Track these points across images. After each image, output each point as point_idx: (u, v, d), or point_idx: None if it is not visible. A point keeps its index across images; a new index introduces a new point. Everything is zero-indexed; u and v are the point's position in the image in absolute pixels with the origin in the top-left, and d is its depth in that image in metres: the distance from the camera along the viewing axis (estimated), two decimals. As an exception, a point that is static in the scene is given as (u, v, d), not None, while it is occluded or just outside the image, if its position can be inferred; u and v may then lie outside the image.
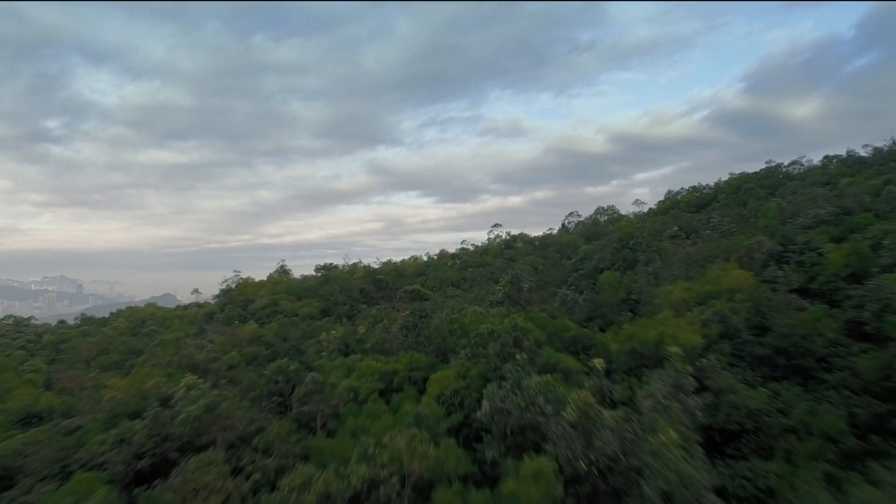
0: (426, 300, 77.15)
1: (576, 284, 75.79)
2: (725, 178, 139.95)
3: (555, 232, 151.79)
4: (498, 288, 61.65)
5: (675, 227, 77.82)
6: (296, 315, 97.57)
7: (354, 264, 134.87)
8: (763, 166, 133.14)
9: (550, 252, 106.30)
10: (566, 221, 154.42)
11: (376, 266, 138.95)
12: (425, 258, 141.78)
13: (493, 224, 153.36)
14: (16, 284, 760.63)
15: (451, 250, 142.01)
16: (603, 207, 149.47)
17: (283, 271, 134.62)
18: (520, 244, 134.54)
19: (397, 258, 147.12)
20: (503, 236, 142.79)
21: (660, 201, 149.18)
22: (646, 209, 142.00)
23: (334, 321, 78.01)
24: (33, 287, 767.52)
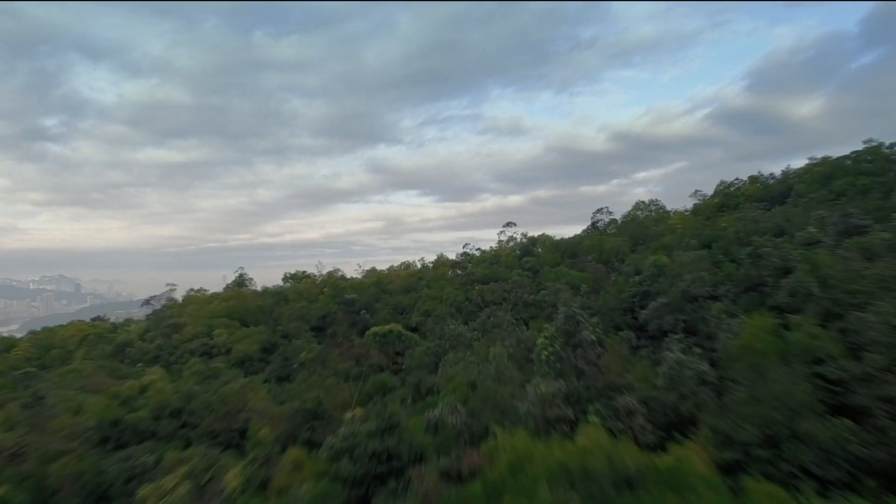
0: (408, 345, 47.98)
1: (653, 321, 46.06)
2: (800, 164, 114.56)
3: (581, 232, 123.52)
4: (542, 341, 32.21)
5: (811, 228, 47.79)
6: (228, 351, 69.31)
7: (330, 273, 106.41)
8: (861, 147, 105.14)
9: (590, 263, 76.27)
10: (595, 220, 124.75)
11: (358, 274, 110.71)
12: (419, 265, 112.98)
13: (504, 223, 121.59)
14: (14, 283, 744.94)
15: (452, 252, 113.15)
16: (644, 202, 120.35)
17: (239, 283, 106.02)
18: (540, 249, 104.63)
19: (393, 261, 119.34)
20: (518, 238, 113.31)
21: (708, 196, 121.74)
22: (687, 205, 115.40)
23: (264, 381, 49.26)
24: (31, 286, 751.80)
